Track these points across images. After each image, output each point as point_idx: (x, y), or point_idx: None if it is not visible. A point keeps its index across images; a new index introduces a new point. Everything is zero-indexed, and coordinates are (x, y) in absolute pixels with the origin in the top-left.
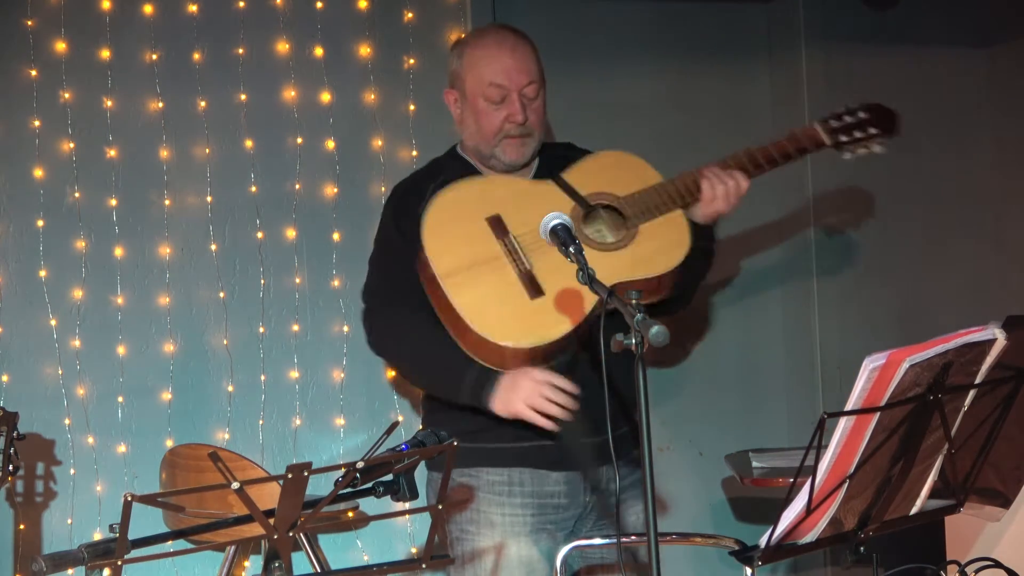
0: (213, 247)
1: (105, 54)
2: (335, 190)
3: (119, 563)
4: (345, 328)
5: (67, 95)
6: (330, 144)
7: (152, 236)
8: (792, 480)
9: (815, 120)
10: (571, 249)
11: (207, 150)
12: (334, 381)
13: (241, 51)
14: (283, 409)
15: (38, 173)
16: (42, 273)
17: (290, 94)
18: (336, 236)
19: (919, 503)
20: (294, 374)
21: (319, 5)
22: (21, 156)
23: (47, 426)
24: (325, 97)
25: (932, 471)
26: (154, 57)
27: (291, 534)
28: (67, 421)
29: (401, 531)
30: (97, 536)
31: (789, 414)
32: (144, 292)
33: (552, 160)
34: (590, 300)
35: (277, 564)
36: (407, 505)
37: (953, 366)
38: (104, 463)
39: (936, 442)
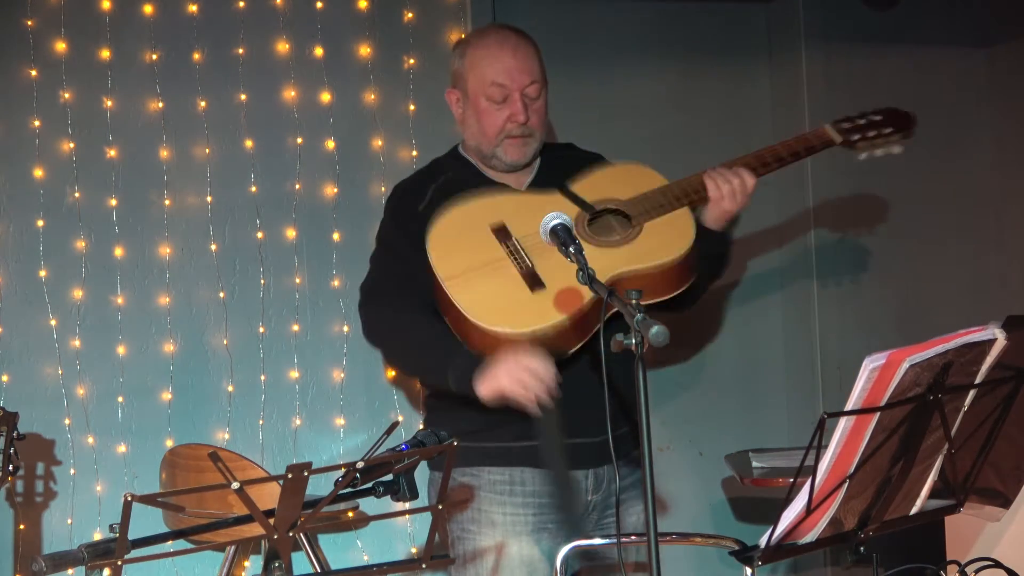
0: (213, 247)
1: (105, 54)
2: (335, 190)
3: (119, 563)
4: (345, 328)
5: (67, 95)
6: (330, 144)
7: (152, 236)
8: (792, 480)
9: (825, 122)
10: (571, 249)
11: (207, 150)
12: (334, 381)
13: (241, 51)
14: (283, 409)
15: (38, 173)
16: (42, 273)
17: (290, 94)
18: (336, 236)
19: (919, 503)
20: (294, 374)
21: (319, 5)
22: (21, 156)
23: (47, 426)
24: (325, 97)
25: (932, 471)
26: (154, 57)
27: (291, 534)
28: (67, 421)
29: (401, 531)
30: (97, 536)
31: (789, 414)
32: (144, 292)
33: (553, 161)
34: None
35: (277, 564)
36: (407, 505)
37: (953, 366)
38: (104, 463)
39: (936, 442)
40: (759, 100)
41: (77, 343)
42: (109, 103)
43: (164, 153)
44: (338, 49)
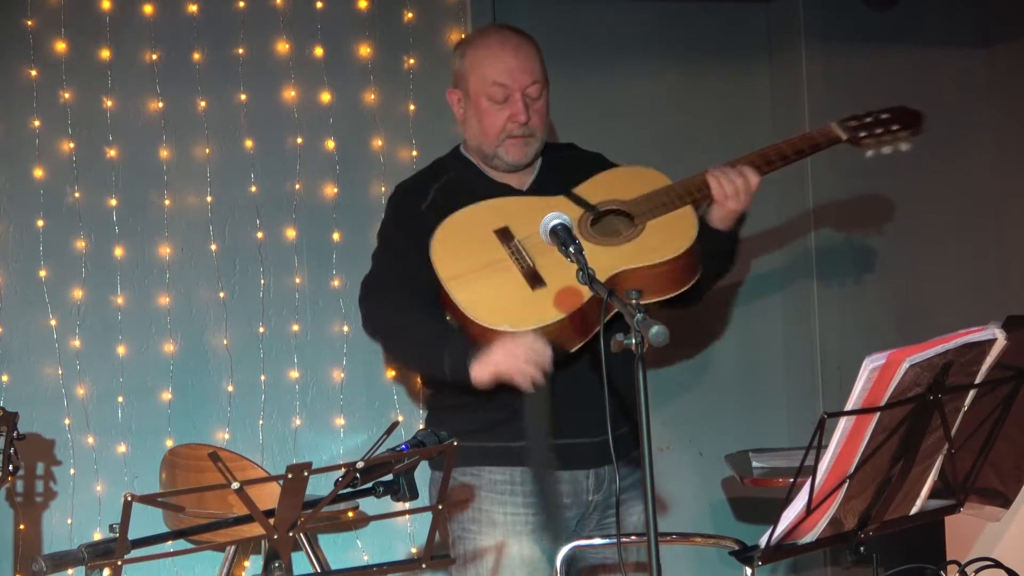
0: (213, 247)
1: (105, 54)
2: (335, 190)
3: (119, 563)
4: (345, 328)
5: (67, 95)
6: (330, 144)
7: (152, 236)
8: (792, 480)
9: (829, 122)
10: (571, 249)
11: (207, 150)
12: (334, 381)
13: (241, 51)
14: (283, 409)
15: (38, 173)
16: (42, 273)
17: (290, 94)
18: (336, 236)
19: (919, 503)
20: (294, 374)
21: (319, 5)
22: (21, 156)
23: (47, 426)
24: (325, 97)
25: (932, 471)
26: (154, 57)
27: (291, 534)
28: (67, 421)
29: (401, 531)
30: (97, 536)
31: (789, 414)
32: (144, 292)
33: (555, 161)
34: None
35: (277, 564)
36: (407, 505)
37: (953, 366)
38: (104, 463)
39: (936, 442)
40: (759, 100)
41: (77, 343)
42: (109, 103)
43: (164, 153)
44: (338, 49)
